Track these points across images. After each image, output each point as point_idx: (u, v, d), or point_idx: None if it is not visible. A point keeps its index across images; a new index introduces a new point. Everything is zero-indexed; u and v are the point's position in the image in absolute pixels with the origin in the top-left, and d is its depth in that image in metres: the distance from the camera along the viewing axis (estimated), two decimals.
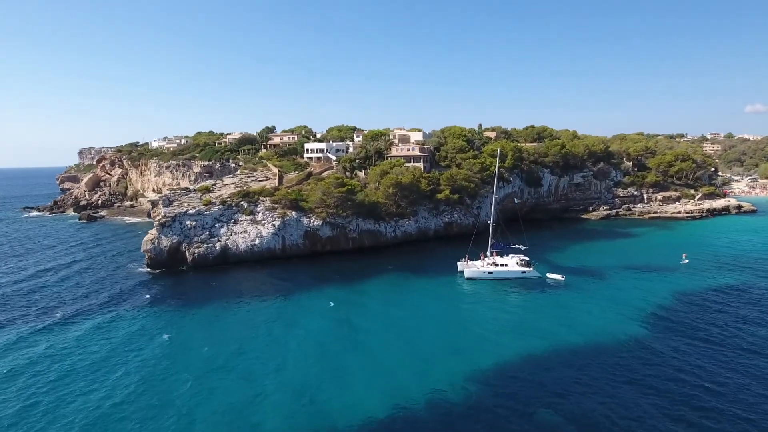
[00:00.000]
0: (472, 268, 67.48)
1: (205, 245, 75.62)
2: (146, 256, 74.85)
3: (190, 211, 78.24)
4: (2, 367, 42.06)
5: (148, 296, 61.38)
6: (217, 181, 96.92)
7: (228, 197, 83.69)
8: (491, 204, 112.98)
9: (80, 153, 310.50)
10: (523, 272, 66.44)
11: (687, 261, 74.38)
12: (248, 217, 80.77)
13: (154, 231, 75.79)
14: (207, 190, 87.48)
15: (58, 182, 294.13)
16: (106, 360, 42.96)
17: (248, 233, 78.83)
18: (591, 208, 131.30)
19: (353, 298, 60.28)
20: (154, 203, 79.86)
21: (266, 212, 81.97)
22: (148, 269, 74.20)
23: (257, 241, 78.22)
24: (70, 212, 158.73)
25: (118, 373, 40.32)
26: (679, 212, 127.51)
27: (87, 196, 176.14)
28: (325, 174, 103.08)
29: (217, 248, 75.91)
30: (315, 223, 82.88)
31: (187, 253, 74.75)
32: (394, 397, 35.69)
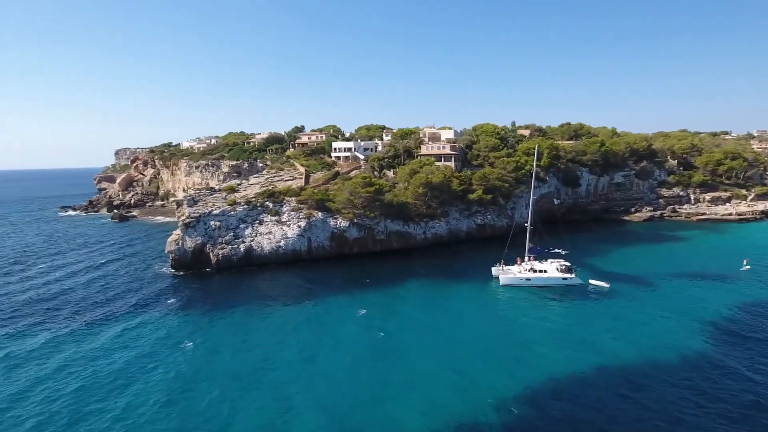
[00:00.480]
0: (508, 274, 62.91)
1: (230, 246, 73.48)
2: (170, 258, 73.27)
3: (215, 212, 76.31)
4: (23, 375, 40.33)
5: (171, 300, 59.33)
6: (243, 181, 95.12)
7: (253, 197, 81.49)
8: (526, 204, 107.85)
9: (116, 153, 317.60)
10: (564, 279, 61.45)
11: (748, 267, 67.71)
12: (273, 218, 78.33)
13: (178, 231, 74.15)
14: (232, 189, 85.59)
15: (95, 182, 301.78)
16: (125, 370, 40.55)
17: (273, 234, 76.34)
18: (633, 210, 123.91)
19: (383, 303, 56.72)
20: (178, 203, 78.35)
21: (292, 213, 79.34)
22: (173, 270, 72.58)
23: (282, 243, 75.62)
24: (104, 212, 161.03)
25: (137, 385, 37.88)
26: (730, 214, 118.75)
27: (120, 196, 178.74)
28: (352, 173, 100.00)
29: (242, 249, 73.64)
30: (342, 224, 79.77)
31: (211, 254, 72.76)
32: (433, 418, 31.99)
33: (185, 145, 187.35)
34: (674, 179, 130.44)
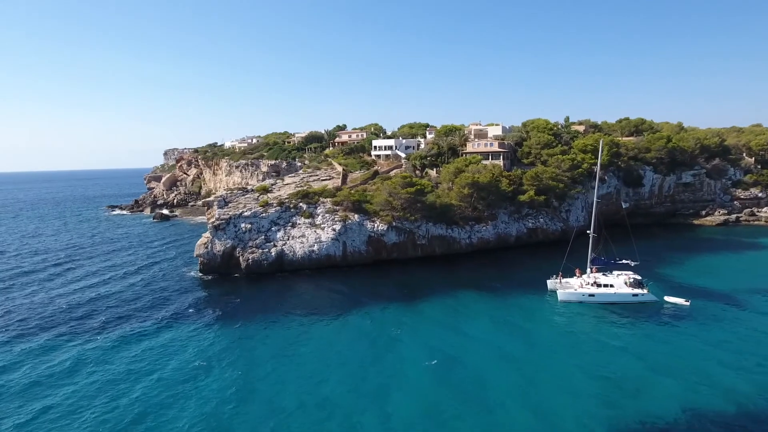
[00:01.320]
0: (567, 288, 55.00)
1: (260, 250, 69.12)
2: (199, 261, 69.75)
3: (246, 213, 72.22)
4: (24, 402, 36.77)
5: (194, 309, 55.24)
6: (277, 181, 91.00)
7: (286, 198, 76.95)
8: (582, 207, 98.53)
9: (165, 154, 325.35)
10: (635, 295, 52.94)
11: None
12: (307, 221, 73.45)
13: (207, 234, 70.55)
14: (265, 190, 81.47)
15: (145, 182, 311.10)
16: (143, 402, 36.16)
17: (306, 238, 71.43)
18: (704, 212, 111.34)
19: (424, 321, 50.29)
20: (208, 204, 74.84)
21: (326, 215, 74.17)
22: (201, 275, 69.02)
23: (315, 247, 70.56)
24: (148, 211, 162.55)
25: (135, 409, 33.35)
26: None
27: (164, 196, 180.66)
28: (392, 173, 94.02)
29: (273, 254, 69.11)
30: (379, 228, 73.88)
31: (241, 258, 68.67)
32: None
33: (228, 144, 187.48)
34: (751, 179, 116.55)
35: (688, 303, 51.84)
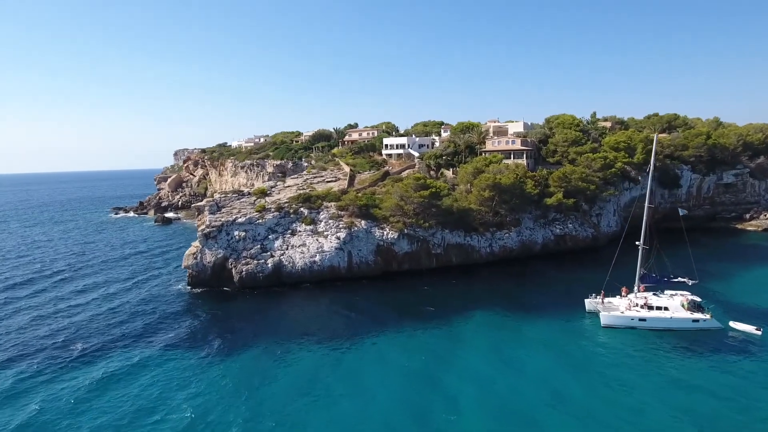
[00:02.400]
0: (612, 310, 46.22)
1: (256, 261, 61.49)
2: (187, 273, 62.44)
3: (240, 220, 64.67)
4: None
5: (177, 333, 47.51)
6: (278, 183, 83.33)
7: (286, 202, 69.24)
8: (615, 210, 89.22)
9: (175, 154, 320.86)
10: (695, 320, 44.07)
11: None
12: (308, 227, 65.67)
13: (197, 243, 63.15)
14: (263, 193, 73.77)
15: (155, 183, 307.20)
16: None
17: (307, 247, 63.63)
18: (748, 216, 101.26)
19: (440, 347, 42.17)
20: (200, 209, 67.48)
21: (330, 221, 66.32)
22: (189, 288, 61.69)
23: (317, 258, 62.72)
24: (152, 213, 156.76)
25: None
26: None
27: (169, 197, 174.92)
28: (404, 173, 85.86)
29: (270, 265, 61.42)
30: (389, 236, 65.76)
31: (233, 270, 61.12)
32: None
33: (235, 144, 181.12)
34: None
35: (760, 332, 42.82)
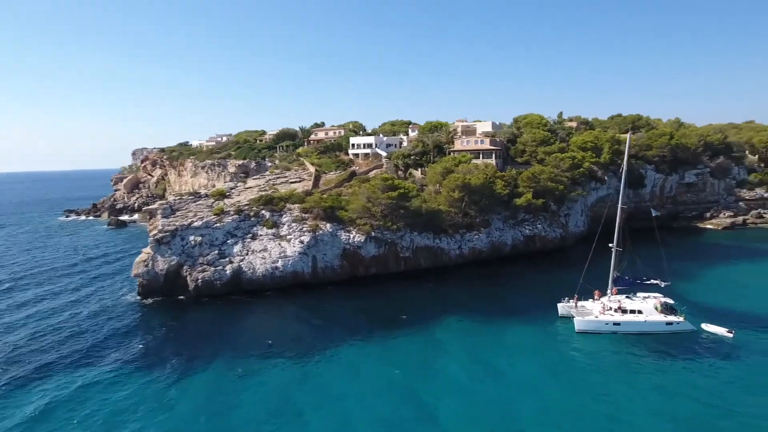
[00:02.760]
0: (586, 315, 44.76)
1: (213, 268, 57.52)
2: (138, 282, 57.90)
3: (196, 223, 60.52)
4: None
5: (126, 351, 43.26)
6: (238, 184, 79.17)
7: (246, 204, 65.42)
8: (582, 211, 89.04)
9: (133, 154, 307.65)
10: (669, 323, 43.12)
11: None
12: (270, 231, 62.14)
13: (148, 249, 58.64)
14: (222, 195, 69.64)
15: (112, 183, 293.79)
16: None
17: (269, 252, 60.06)
18: (708, 215, 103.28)
19: (415, 357, 39.77)
20: (151, 213, 62.84)
21: (293, 224, 62.97)
22: (139, 298, 57.16)
23: (280, 263, 59.26)
24: (106, 216, 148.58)
25: None
26: None
27: (125, 199, 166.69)
28: (372, 174, 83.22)
29: (228, 272, 57.58)
30: (356, 239, 62.94)
31: (189, 278, 57.00)
32: None
33: (196, 143, 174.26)
34: (756, 178, 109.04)
35: (731, 334, 42.19)
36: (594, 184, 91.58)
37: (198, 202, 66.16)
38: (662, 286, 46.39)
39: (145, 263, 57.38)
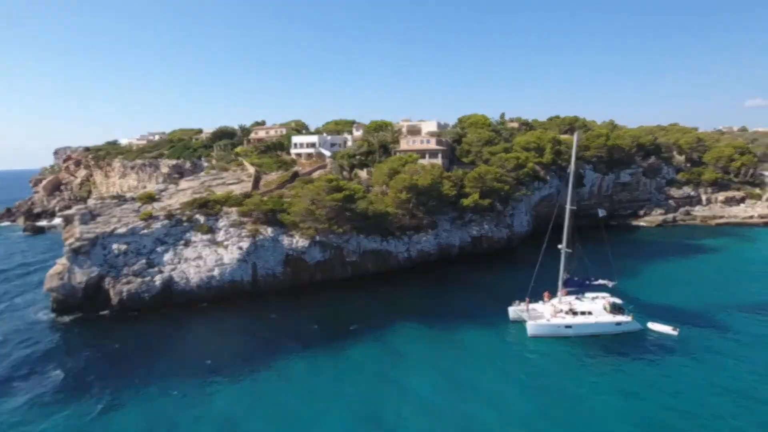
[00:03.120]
0: (538, 319, 43.88)
1: (140, 279, 52.10)
2: (51, 297, 51.48)
3: (120, 230, 54.74)
4: None
5: (40, 381, 37.66)
6: (169, 186, 73.19)
7: (178, 208, 60.18)
8: (526, 210, 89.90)
9: (56, 153, 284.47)
10: (618, 324, 43.11)
11: None
12: (205, 237, 57.38)
13: (64, 260, 52.29)
14: (150, 198, 63.80)
15: (31, 185, 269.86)
16: None
17: (204, 260, 55.35)
18: (642, 212, 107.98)
19: (372, 368, 37.36)
20: (67, 219, 56.23)
21: (231, 229, 58.56)
22: (54, 315, 50.79)
23: (216, 272, 54.73)
24: (21, 221, 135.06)
25: None
26: (751, 217, 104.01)
27: (44, 202, 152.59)
28: (315, 174, 79.70)
29: (158, 283, 52.37)
30: (300, 244, 59.46)
31: (112, 291, 51.27)
32: None
33: (125, 142, 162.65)
34: (684, 177, 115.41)
35: (676, 332, 42.78)
36: (537, 183, 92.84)
37: (123, 207, 60.06)
38: (610, 286, 46.55)
39: (60, 276, 51.05)
